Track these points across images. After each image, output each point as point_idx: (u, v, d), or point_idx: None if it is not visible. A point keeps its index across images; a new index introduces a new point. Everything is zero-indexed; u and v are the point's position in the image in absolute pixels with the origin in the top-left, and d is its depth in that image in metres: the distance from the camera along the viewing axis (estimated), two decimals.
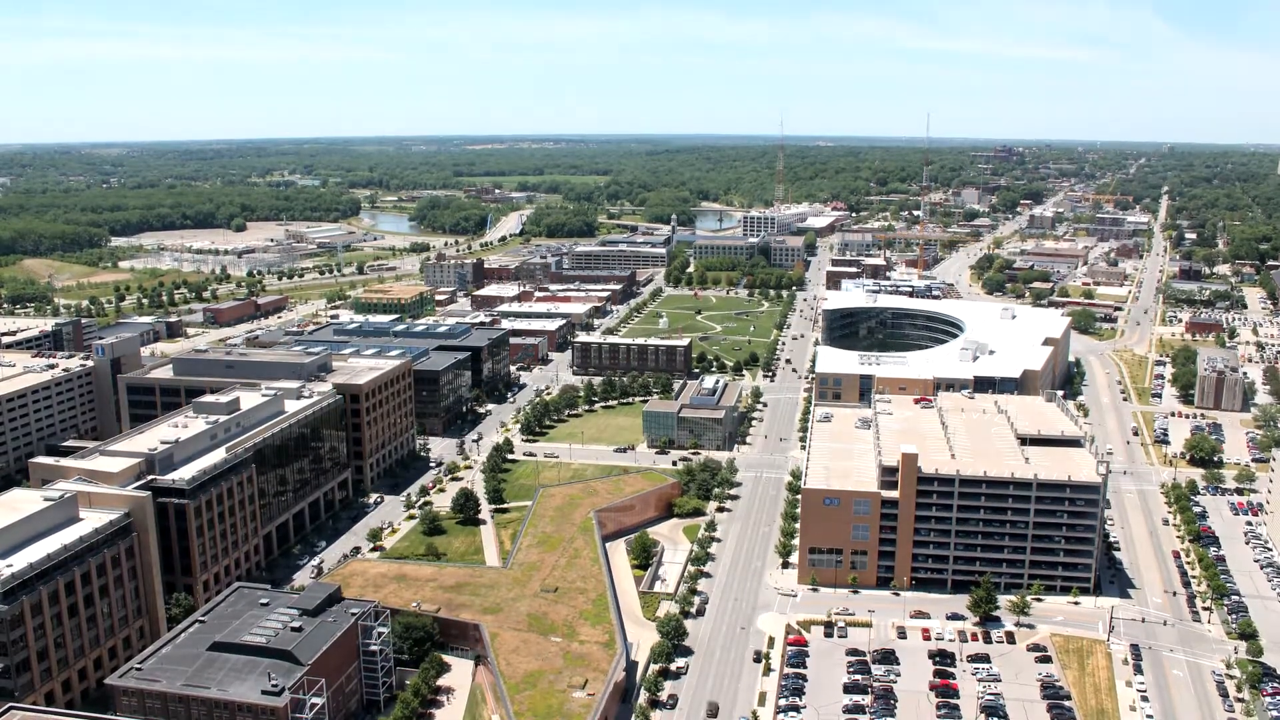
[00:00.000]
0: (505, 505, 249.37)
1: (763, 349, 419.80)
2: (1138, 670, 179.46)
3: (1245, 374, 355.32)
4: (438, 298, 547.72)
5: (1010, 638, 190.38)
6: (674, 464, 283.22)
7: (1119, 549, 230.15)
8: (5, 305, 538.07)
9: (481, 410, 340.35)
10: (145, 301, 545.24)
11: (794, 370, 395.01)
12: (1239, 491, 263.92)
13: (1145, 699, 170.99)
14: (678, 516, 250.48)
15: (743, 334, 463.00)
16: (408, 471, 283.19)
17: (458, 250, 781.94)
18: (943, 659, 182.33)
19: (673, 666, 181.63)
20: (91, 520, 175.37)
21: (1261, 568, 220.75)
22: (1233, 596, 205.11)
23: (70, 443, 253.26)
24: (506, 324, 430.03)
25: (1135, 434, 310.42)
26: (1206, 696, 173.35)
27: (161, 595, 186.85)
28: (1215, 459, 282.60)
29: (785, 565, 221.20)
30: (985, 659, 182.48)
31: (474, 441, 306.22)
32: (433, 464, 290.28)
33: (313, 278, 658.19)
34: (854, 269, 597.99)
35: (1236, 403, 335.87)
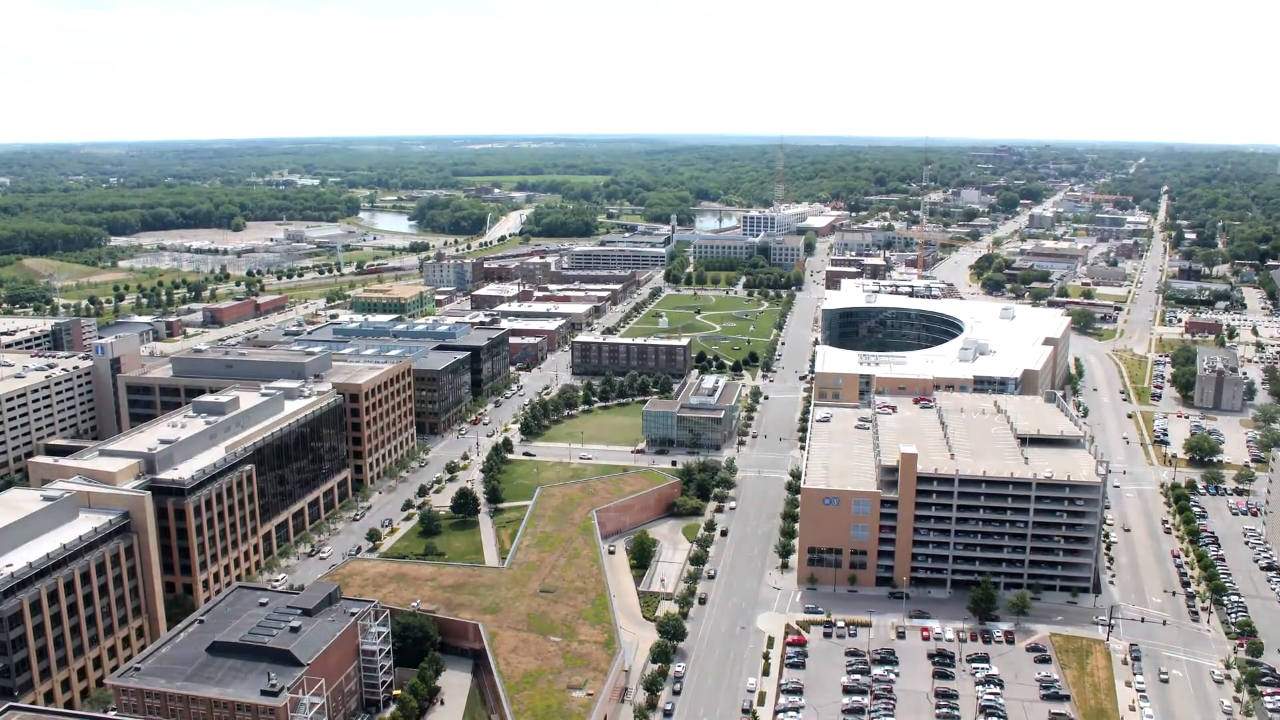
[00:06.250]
0: (504, 505, 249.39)
1: (762, 349, 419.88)
2: (1137, 671, 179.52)
3: (1245, 374, 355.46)
4: (437, 297, 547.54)
5: (1009, 638, 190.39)
6: (673, 464, 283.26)
7: (1117, 548, 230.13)
8: (4, 305, 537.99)
9: (481, 410, 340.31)
10: (144, 301, 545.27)
11: (795, 371, 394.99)
12: (1238, 492, 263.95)
13: (1145, 699, 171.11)
14: (677, 516, 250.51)
15: (742, 334, 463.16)
16: (407, 471, 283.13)
17: (457, 250, 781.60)
18: (942, 659, 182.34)
19: (671, 668, 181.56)
20: (90, 519, 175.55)
21: (1261, 568, 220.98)
22: (1231, 597, 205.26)
23: (64, 442, 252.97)
24: (506, 324, 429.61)
25: (1126, 441, 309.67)
26: (1206, 696, 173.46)
27: (161, 594, 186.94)
28: (1214, 459, 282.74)
29: (784, 565, 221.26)
30: (984, 659, 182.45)
31: (473, 441, 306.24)
32: (431, 463, 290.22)
33: (312, 277, 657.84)
34: (853, 269, 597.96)
35: (1236, 403, 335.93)
